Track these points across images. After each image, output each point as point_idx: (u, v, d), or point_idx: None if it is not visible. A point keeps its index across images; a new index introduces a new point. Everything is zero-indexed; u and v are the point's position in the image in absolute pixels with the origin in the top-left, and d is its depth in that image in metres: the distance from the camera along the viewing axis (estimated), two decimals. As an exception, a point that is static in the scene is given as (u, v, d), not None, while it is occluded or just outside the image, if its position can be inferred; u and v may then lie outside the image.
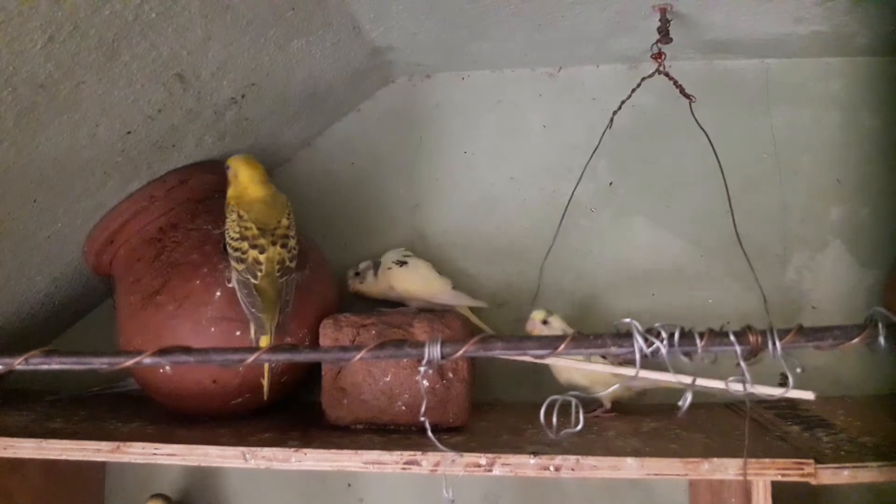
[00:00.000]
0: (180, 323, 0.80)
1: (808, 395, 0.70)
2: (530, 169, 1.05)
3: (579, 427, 0.48)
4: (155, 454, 0.71)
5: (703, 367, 0.46)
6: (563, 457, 0.66)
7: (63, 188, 0.78)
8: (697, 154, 1.00)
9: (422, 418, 0.52)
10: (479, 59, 1.04)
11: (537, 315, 0.87)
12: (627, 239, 1.02)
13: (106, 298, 1.03)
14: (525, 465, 0.67)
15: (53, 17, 0.57)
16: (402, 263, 0.96)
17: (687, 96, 0.86)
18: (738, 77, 1.02)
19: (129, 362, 0.47)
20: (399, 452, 0.69)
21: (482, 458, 0.67)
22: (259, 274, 0.76)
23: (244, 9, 0.72)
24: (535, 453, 0.67)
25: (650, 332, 0.44)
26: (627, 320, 0.45)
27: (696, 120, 0.85)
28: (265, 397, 0.78)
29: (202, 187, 0.91)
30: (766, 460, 0.64)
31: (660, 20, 0.84)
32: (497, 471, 0.67)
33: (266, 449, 0.70)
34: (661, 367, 0.53)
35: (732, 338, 0.44)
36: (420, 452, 0.69)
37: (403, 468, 0.68)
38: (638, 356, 0.44)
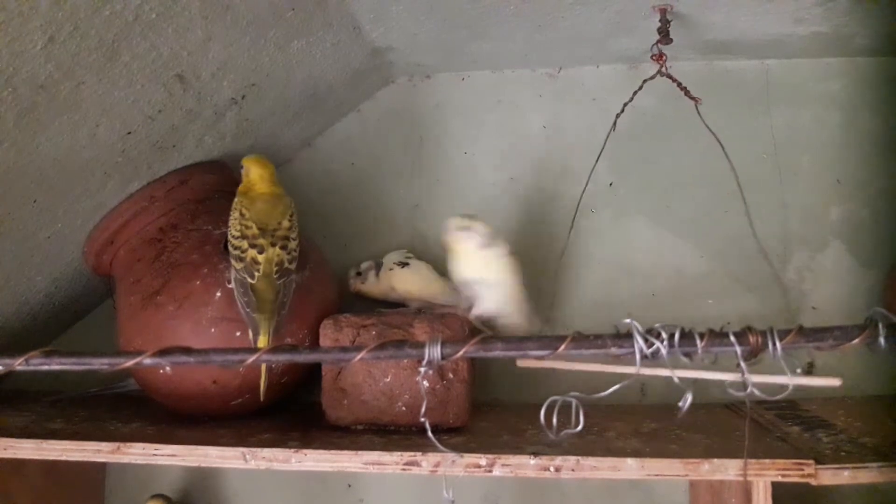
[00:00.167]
0: (180, 323, 0.80)
1: (835, 382, 0.69)
2: (530, 169, 1.05)
3: (579, 428, 0.48)
4: (155, 455, 0.71)
5: (703, 369, 0.46)
6: (563, 457, 0.66)
7: (63, 188, 0.78)
8: (697, 154, 1.00)
9: (422, 419, 0.52)
10: (479, 60, 1.04)
11: (456, 221, 0.83)
12: (627, 239, 1.02)
13: (106, 299, 1.03)
14: (525, 465, 0.67)
15: (54, 18, 0.57)
16: (403, 265, 0.96)
17: (692, 98, 0.86)
18: (738, 77, 1.02)
19: (130, 363, 0.47)
20: (399, 453, 0.69)
21: (482, 459, 0.67)
22: (256, 274, 0.76)
23: (244, 9, 0.72)
24: (536, 454, 0.67)
25: (650, 333, 0.44)
26: (627, 321, 0.45)
27: (704, 123, 0.85)
28: (261, 398, 0.78)
29: (202, 187, 0.91)
30: (767, 461, 0.64)
31: (660, 20, 0.84)
32: (497, 471, 0.67)
33: (266, 449, 0.70)
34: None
35: (732, 338, 0.44)
36: (420, 453, 0.69)
37: (403, 469, 0.68)
38: (638, 356, 0.44)
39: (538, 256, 1.02)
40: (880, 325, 0.43)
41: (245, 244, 0.78)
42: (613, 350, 0.45)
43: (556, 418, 0.49)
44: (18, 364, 0.48)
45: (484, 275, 0.84)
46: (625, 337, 0.45)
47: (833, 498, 0.89)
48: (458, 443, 0.73)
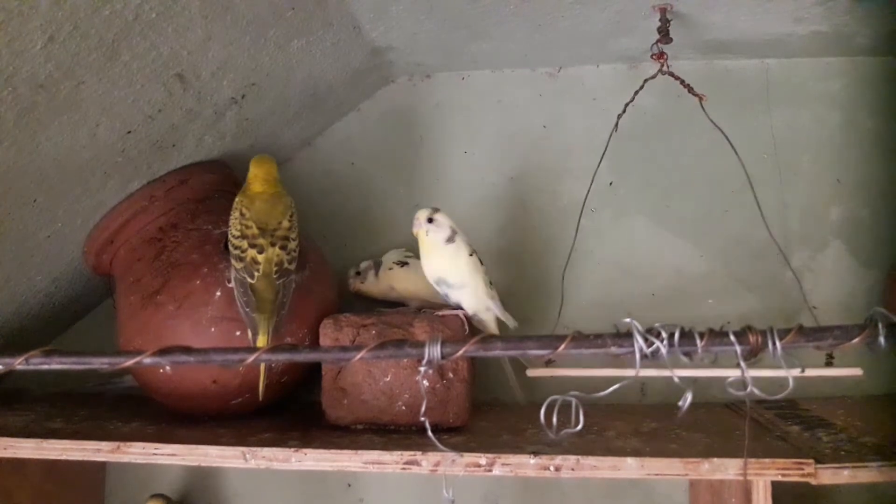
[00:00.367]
0: (180, 323, 0.80)
1: (856, 372, 0.69)
2: (531, 169, 1.05)
3: (579, 427, 0.48)
4: (155, 454, 0.71)
5: (703, 368, 0.46)
6: (563, 457, 0.66)
7: (63, 188, 0.78)
8: (698, 154, 1.00)
9: (422, 418, 0.52)
10: (479, 60, 1.04)
11: (422, 213, 0.83)
12: (627, 239, 1.02)
13: (106, 298, 1.03)
14: (525, 465, 0.67)
15: (53, 18, 0.57)
16: (403, 264, 0.96)
17: (696, 95, 0.85)
18: (738, 77, 1.02)
19: (129, 362, 0.47)
20: (399, 452, 0.69)
21: (482, 458, 0.67)
22: (256, 274, 0.76)
23: (244, 9, 0.72)
24: (536, 453, 0.67)
25: (650, 332, 0.44)
26: (627, 320, 0.45)
27: (709, 118, 0.84)
28: (260, 397, 0.78)
29: (202, 187, 0.91)
30: (767, 460, 0.64)
31: (660, 20, 0.84)
32: (497, 471, 0.67)
33: (266, 449, 0.70)
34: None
35: (732, 338, 0.44)
36: (420, 452, 0.69)
37: (403, 468, 0.68)
38: (638, 356, 0.44)
39: (538, 256, 1.02)
40: (880, 325, 0.43)
41: (245, 244, 0.78)
42: (613, 349, 0.45)
43: (556, 418, 0.49)
44: (18, 364, 0.48)
45: (449, 275, 0.83)
46: (625, 336, 0.45)
47: (833, 497, 0.89)
48: (457, 442, 0.73)
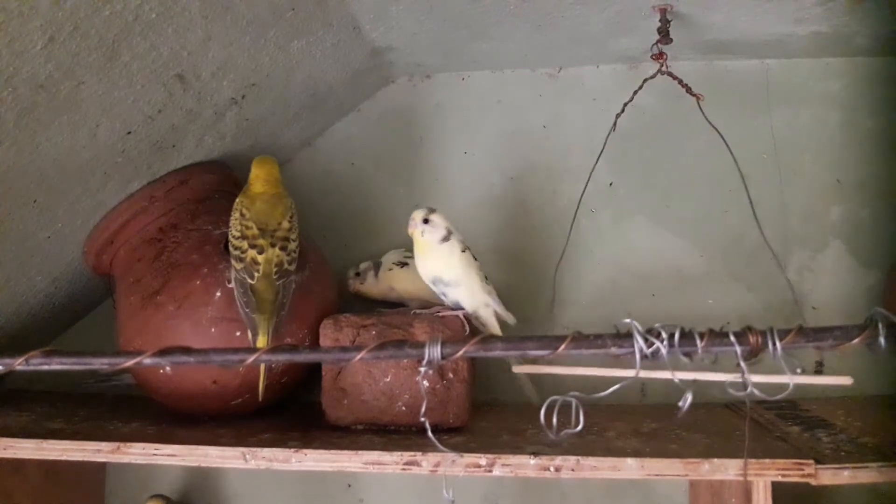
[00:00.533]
0: (180, 323, 0.80)
1: (846, 381, 0.69)
2: (530, 169, 1.05)
3: (579, 427, 0.48)
4: (155, 454, 0.71)
5: (703, 368, 0.46)
6: (563, 457, 0.66)
7: (63, 188, 0.78)
8: (698, 154, 1.00)
9: (422, 419, 0.52)
10: (479, 60, 1.04)
11: (418, 214, 0.82)
12: (627, 239, 1.02)
13: (106, 298, 1.03)
14: (525, 465, 0.67)
15: (54, 18, 0.57)
16: (402, 264, 0.96)
17: (694, 95, 0.85)
18: (738, 77, 1.02)
19: (130, 362, 0.47)
20: (399, 453, 0.69)
21: (482, 459, 0.67)
22: (256, 275, 0.76)
23: (244, 9, 0.72)
24: (536, 454, 0.67)
25: (650, 333, 0.44)
26: (627, 320, 0.45)
27: (706, 118, 0.85)
28: (260, 398, 0.78)
29: (202, 187, 0.91)
30: (767, 461, 0.64)
31: (660, 20, 0.84)
32: (497, 471, 0.67)
33: (266, 449, 0.70)
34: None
35: (732, 338, 0.44)
36: (420, 453, 0.69)
37: (403, 469, 0.68)
38: (638, 356, 0.44)
39: (538, 256, 1.02)
40: (880, 325, 0.43)
41: (245, 244, 0.78)
42: (613, 350, 0.45)
43: (556, 418, 0.49)
44: (18, 364, 0.48)
45: (443, 273, 0.83)
46: (625, 337, 0.45)
47: (833, 498, 0.89)
48: (458, 443, 0.73)
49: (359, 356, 0.47)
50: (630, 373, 0.45)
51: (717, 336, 0.44)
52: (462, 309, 0.84)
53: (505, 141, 1.06)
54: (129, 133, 0.77)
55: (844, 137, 1.00)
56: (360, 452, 0.69)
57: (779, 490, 0.64)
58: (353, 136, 1.10)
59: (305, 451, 0.70)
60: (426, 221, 0.82)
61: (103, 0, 0.59)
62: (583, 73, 1.06)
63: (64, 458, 0.73)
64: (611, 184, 1.04)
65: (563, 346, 0.45)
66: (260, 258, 0.77)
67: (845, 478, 0.62)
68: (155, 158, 0.85)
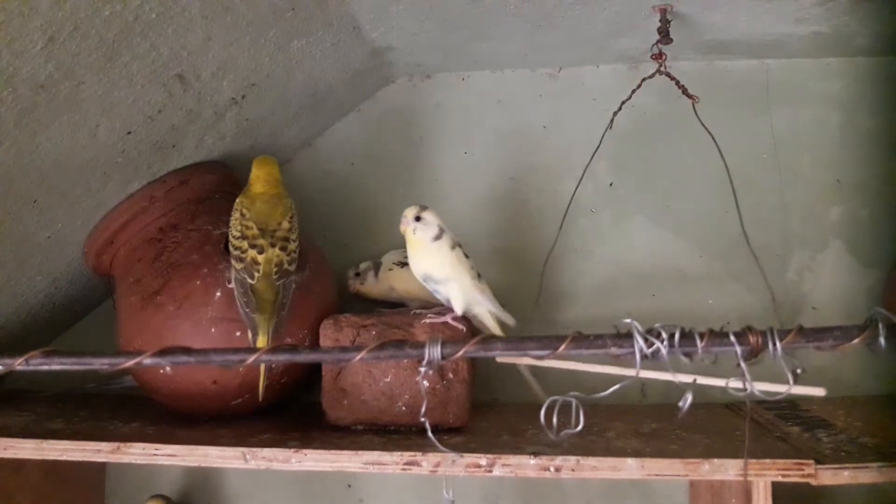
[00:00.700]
0: (180, 323, 0.80)
1: (819, 391, 0.69)
2: (530, 169, 1.05)
3: (579, 428, 0.48)
4: (155, 455, 0.71)
5: (703, 368, 0.46)
6: (563, 457, 0.66)
7: (63, 188, 0.78)
8: (698, 154, 1.00)
9: (422, 419, 0.52)
10: (480, 60, 1.04)
11: (410, 212, 0.81)
12: (627, 239, 1.02)
13: (106, 299, 1.03)
14: (525, 465, 0.67)
15: (54, 18, 0.57)
16: (402, 264, 0.96)
17: (690, 96, 0.85)
18: (738, 77, 1.02)
19: (130, 362, 0.47)
20: (399, 453, 0.69)
21: (482, 459, 0.67)
22: (256, 275, 0.76)
23: (244, 9, 0.72)
24: (536, 454, 0.67)
25: (650, 333, 0.44)
26: (627, 321, 0.45)
27: (700, 120, 0.85)
28: (260, 398, 0.78)
29: (202, 188, 0.91)
30: (767, 461, 0.64)
31: (660, 20, 0.84)
32: (497, 471, 0.67)
33: (266, 449, 0.70)
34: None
35: (733, 338, 0.44)
36: (420, 453, 0.69)
37: (404, 469, 0.68)
38: (638, 356, 0.44)
39: (538, 257, 1.02)
40: (880, 325, 0.43)
41: (245, 244, 0.78)
42: (613, 350, 0.45)
43: (556, 418, 0.49)
44: (18, 364, 0.48)
45: (433, 270, 0.81)
46: (625, 337, 0.45)
47: (833, 498, 0.89)
48: (458, 443, 0.73)
49: (359, 356, 0.47)
50: (630, 372, 0.45)
51: (717, 336, 0.44)
52: (453, 312, 0.83)
53: (505, 141, 1.06)
54: (129, 133, 0.77)
55: (844, 137, 1.00)
56: (360, 452, 0.69)
57: (779, 490, 0.64)
58: (353, 136, 1.10)
59: (305, 451, 0.70)
60: (418, 219, 0.81)
61: (103, 0, 0.59)
62: (583, 73, 1.06)
63: (64, 458, 0.73)
64: (611, 184, 1.04)
65: (563, 346, 0.45)
66: (260, 258, 0.77)
67: (845, 478, 0.62)
68: (155, 158, 0.85)
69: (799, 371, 0.44)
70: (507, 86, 1.07)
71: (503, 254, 1.04)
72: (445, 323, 0.81)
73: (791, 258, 0.99)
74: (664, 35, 0.84)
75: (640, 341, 0.44)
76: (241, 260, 0.77)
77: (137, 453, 0.72)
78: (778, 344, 0.43)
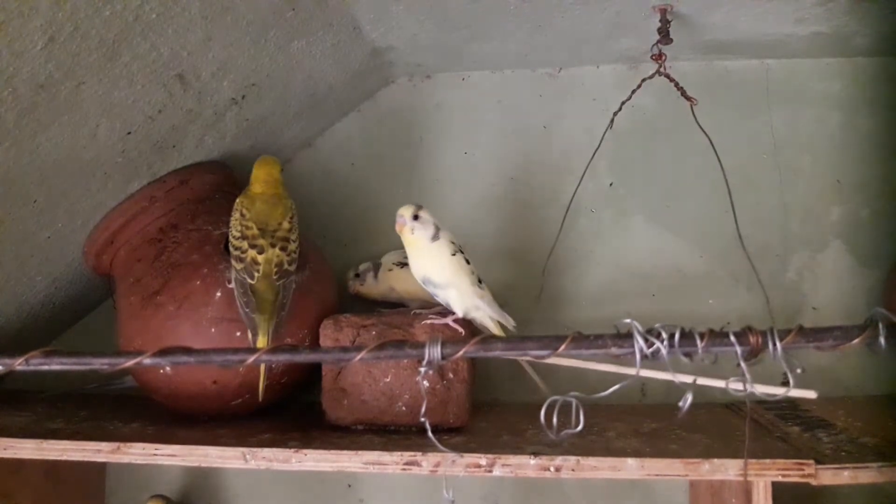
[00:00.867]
0: (180, 323, 0.80)
1: (811, 394, 0.70)
2: (531, 169, 1.05)
3: (580, 428, 0.48)
4: (155, 455, 0.71)
5: (703, 368, 0.46)
6: (563, 457, 0.66)
7: (63, 188, 0.78)
8: (698, 154, 1.00)
9: (422, 419, 0.52)
10: (480, 60, 1.04)
11: (406, 211, 0.79)
12: (627, 239, 1.03)
13: (106, 299, 1.03)
14: (525, 465, 0.67)
15: (54, 18, 0.57)
16: (402, 265, 0.96)
17: (688, 98, 0.86)
18: (739, 77, 1.02)
19: (130, 362, 0.47)
20: (399, 453, 0.69)
21: (482, 459, 0.67)
22: (256, 275, 0.76)
23: (244, 9, 0.72)
24: (536, 454, 0.67)
25: (650, 333, 0.44)
26: (628, 321, 0.45)
27: (697, 123, 0.85)
28: (260, 398, 0.78)
29: (202, 188, 0.91)
30: (767, 461, 0.64)
31: (660, 21, 0.84)
32: (497, 471, 0.67)
33: (266, 449, 0.70)
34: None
35: (733, 338, 0.44)
36: (420, 453, 0.69)
37: (404, 469, 0.68)
38: (638, 356, 0.44)
39: (538, 257, 1.02)
40: (880, 326, 0.43)
41: (245, 245, 0.78)
42: (614, 350, 0.45)
43: (556, 418, 0.49)
44: (18, 364, 0.48)
45: (433, 274, 0.81)
46: (625, 337, 0.45)
47: (833, 498, 0.89)
48: (458, 443, 0.73)
49: (359, 356, 0.47)
50: (630, 371, 0.45)
51: (717, 336, 0.44)
52: (454, 314, 0.82)
53: (505, 141, 1.06)
54: (129, 133, 0.77)
55: (844, 137, 1.00)
56: (360, 452, 0.69)
57: (779, 490, 0.64)
58: (353, 136, 1.10)
59: (305, 451, 0.70)
60: (416, 218, 0.80)
61: (103, 0, 0.59)
62: (583, 73, 1.06)
63: (64, 458, 0.73)
64: (611, 184, 1.04)
65: (563, 346, 0.45)
66: (260, 258, 0.77)
67: (845, 478, 0.62)
68: (155, 158, 0.85)
69: (799, 371, 0.44)
70: (507, 86, 1.07)
71: (503, 253, 1.04)
72: (446, 324, 0.81)
73: (791, 258, 0.99)
74: (664, 35, 0.84)
75: (640, 341, 0.44)
76: (241, 260, 0.77)
77: (137, 453, 0.72)
78: (778, 344, 0.43)
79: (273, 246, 0.78)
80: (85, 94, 0.67)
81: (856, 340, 0.43)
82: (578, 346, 0.45)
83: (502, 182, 1.06)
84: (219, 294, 0.81)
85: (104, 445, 0.72)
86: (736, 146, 0.97)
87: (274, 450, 0.70)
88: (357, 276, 0.98)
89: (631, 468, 0.65)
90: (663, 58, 0.86)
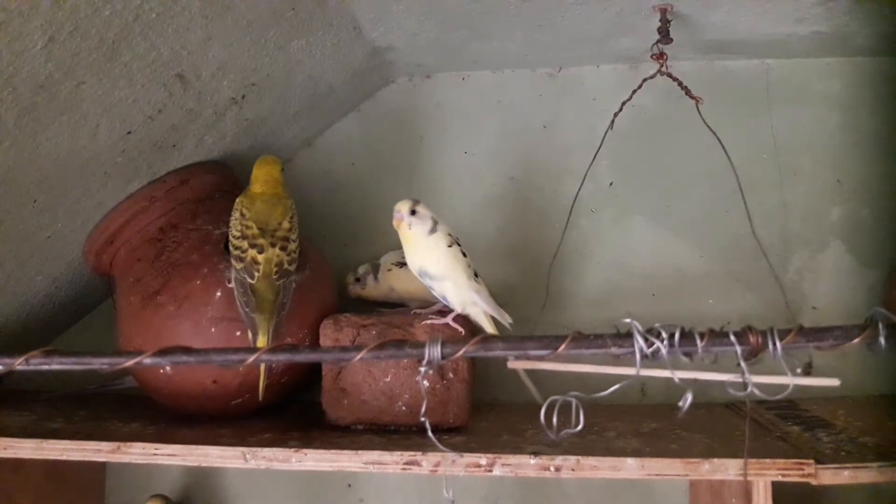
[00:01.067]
0: (180, 323, 0.80)
1: (834, 382, 0.69)
2: (531, 169, 1.05)
3: (580, 427, 0.48)
4: (155, 454, 0.71)
5: (703, 368, 0.46)
6: (563, 457, 0.66)
7: (63, 188, 0.78)
8: (698, 154, 1.00)
9: (422, 418, 0.52)
10: (480, 60, 1.04)
11: (404, 206, 0.79)
12: (628, 239, 1.03)
13: (106, 298, 1.03)
14: (525, 465, 0.67)
15: (54, 18, 0.57)
16: (402, 265, 0.96)
17: (693, 97, 0.85)
18: (739, 77, 1.02)
19: (130, 362, 0.47)
20: (399, 453, 0.69)
21: (482, 459, 0.67)
22: (256, 274, 0.76)
23: (245, 9, 0.72)
24: (536, 453, 0.67)
25: (650, 333, 0.44)
26: (628, 320, 0.45)
27: (703, 121, 0.84)
28: (260, 398, 0.78)
29: (202, 187, 0.91)
30: (767, 461, 0.64)
31: (660, 20, 0.84)
32: (497, 471, 0.67)
33: (266, 449, 0.70)
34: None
35: (733, 338, 0.44)
36: (420, 453, 0.69)
37: (404, 468, 0.68)
38: (638, 356, 0.44)
39: (538, 257, 1.02)
40: (880, 325, 0.43)
41: (245, 244, 0.78)
42: (613, 350, 0.45)
43: (556, 418, 0.49)
44: (18, 364, 0.48)
45: (429, 266, 0.80)
46: (625, 337, 0.45)
47: (833, 498, 0.89)
48: (458, 442, 0.73)
49: (359, 356, 0.47)
50: (630, 371, 0.45)
51: (717, 336, 0.44)
52: (452, 310, 0.82)
53: (505, 141, 1.06)
54: (129, 133, 0.77)
55: (844, 137, 1.00)
56: (360, 452, 0.69)
57: (779, 490, 0.64)
58: (353, 136, 1.10)
59: (305, 450, 0.70)
60: (413, 213, 0.79)
61: (103, 0, 0.59)
62: (583, 73, 1.06)
63: (64, 458, 0.73)
64: (611, 184, 1.04)
65: (563, 346, 0.45)
66: (260, 258, 0.77)
67: (845, 478, 0.62)
68: (155, 158, 0.85)
69: (799, 371, 0.44)
70: (507, 86, 1.07)
71: (503, 253, 1.04)
72: (446, 324, 0.81)
73: (791, 258, 0.99)
74: (664, 35, 0.84)
75: (640, 341, 0.44)
76: (241, 260, 0.77)
77: (137, 453, 0.72)
78: (778, 344, 0.43)
79: (273, 245, 0.78)
80: (85, 94, 0.67)
81: (856, 340, 0.43)
82: (578, 346, 0.45)
83: (502, 182, 1.06)
84: (219, 294, 0.81)
85: (104, 445, 0.72)
86: (736, 146, 0.96)
87: (274, 449, 0.70)
88: (357, 280, 0.98)
89: (631, 468, 0.66)
90: (665, 57, 0.86)
